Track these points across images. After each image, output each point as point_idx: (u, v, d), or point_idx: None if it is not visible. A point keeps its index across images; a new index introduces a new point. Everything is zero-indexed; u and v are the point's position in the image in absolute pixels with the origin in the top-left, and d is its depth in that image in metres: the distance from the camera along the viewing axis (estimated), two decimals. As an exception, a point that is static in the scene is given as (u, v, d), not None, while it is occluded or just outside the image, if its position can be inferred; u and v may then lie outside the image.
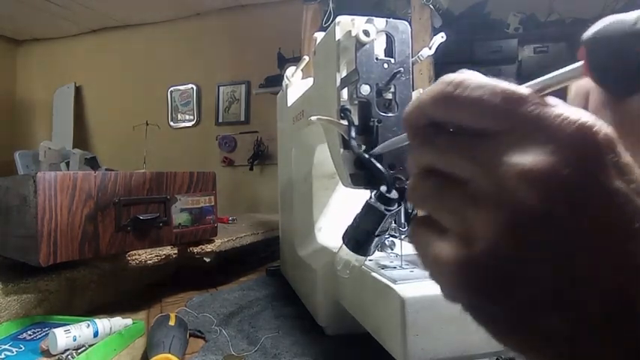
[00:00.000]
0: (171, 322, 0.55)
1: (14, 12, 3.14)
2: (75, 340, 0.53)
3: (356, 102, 0.44)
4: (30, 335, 0.58)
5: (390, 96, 0.44)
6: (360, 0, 1.83)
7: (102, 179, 0.68)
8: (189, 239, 0.81)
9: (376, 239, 0.41)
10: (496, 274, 0.17)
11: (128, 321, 0.61)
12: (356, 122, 0.43)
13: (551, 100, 0.18)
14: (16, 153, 3.08)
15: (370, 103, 0.43)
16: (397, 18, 0.45)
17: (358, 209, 0.41)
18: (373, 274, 0.47)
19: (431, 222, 0.21)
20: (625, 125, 0.21)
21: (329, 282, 0.59)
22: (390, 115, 0.44)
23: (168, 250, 0.77)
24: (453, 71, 0.20)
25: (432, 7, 1.68)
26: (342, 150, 0.45)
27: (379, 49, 0.44)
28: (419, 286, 0.41)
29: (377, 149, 0.41)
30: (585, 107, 0.29)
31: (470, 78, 0.19)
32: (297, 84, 0.81)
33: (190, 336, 0.59)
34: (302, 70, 0.79)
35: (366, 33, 0.43)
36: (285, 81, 0.81)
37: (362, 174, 0.43)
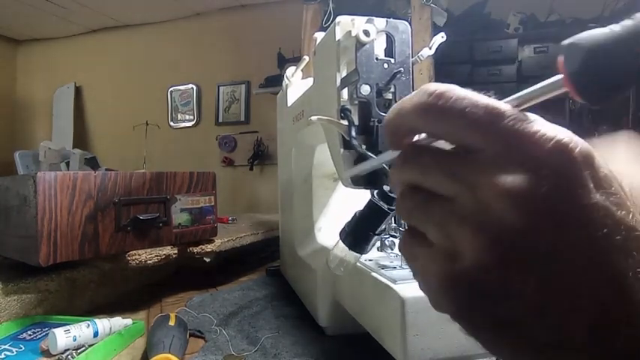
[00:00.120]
0: (171, 322, 0.55)
1: (14, 12, 3.14)
2: (75, 340, 0.53)
3: (356, 102, 0.44)
4: (30, 335, 0.58)
5: (390, 96, 0.44)
6: (360, 0, 1.83)
7: (102, 179, 0.68)
8: (189, 239, 0.81)
9: (374, 238, 0.41)
10: (480, 288, 0.18)
11: (128, 321, 0.61)
12: (356, 122, 0.43)
13: (530, 116, 0.18)
14: (16, 153, 3.08)
15: (370, 103, 0.43)
16: (397, 18, 0.45)
17: (357, 208, 0.41)
18: (373, 274, 0.47)
19: (419, 234, 0.21)
20: None
21: (329, 282, 0.59)
22: None
23: (168, 250, 0.77)
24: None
25: (433, 5, 1.68)
26: (342, 150, 0.44)
27: (379, 49, 0.44)
28: (419, 286, 0.41)
29: (355, 170, 0.40)
30: None
31: (451, 89, 0.19)
32: (297, 84, 0.81)
33: (190, 336, 0.59)
34: (302, 70, 0.79)
35: (366, 33, 0.43)
36: (285, 81, 0.81)
37: (362, 174, 0.43)
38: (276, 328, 0.61)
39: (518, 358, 0.18)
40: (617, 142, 0.41)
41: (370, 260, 0.51)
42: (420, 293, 0.34)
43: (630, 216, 0.17)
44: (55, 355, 0.52)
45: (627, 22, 0.17)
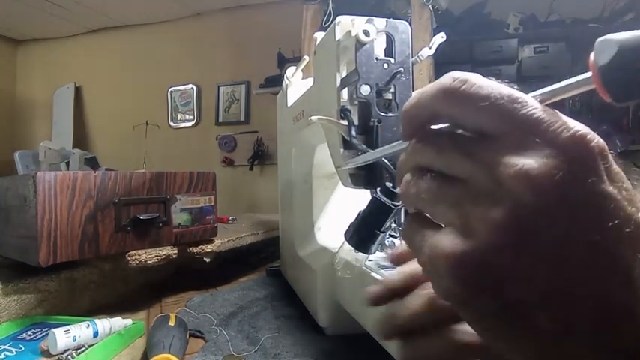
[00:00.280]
0: (171, 322, 0.55)
1: (14, 12, 3.14)
2: (75, 340, 0.53)
3: (356, 102, 0.44)
4: (30, 335, 0.58)
5: (390, 96, 0.44)
6: (360, 0, 1.83)
7: (102, 179, 0.68)
8: (189, 239, 0.81)
9: (380, 236, 0.41)
10: (491, 268, 0.18)
11: (128, 321, 0.61)
12: (356, 122, 0.43)
13: (551, 109, 0.19)
14: (16, 153, 3.08)
15: (370, 103, 0.43)
16: (397, 18, 0.45)
17: (359, 208, 0.41)
18: (373, 274, 0.47)
19: (426, 218, 0.21)
20: None
21: (329, 282, 0.59)
22: (390, 115, 0.44)
23: (168, 250, 0.77)
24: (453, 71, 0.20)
25: (431, 8, 1.68)
26: (342, 150, 0.44)
27: (379, 49, 0.44)
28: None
29: (357, 160, 0.40)
30: None
31: (476, 76, 0.19)
32: (297, 84, 0.81)
33: (190, 336, 0.59)
34: (302, 70, 0.79)
35: (366, 33, 0.43)
36: (285, 81, 0.81)
37: (362, 174, 0.43)
38: (276, 328, 0.61)
39: (520, 347, 0.18)
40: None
41: (370, 260, 0.51)
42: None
43: (639, 214, 0.17)
44: (55, 355, 0.52)
45: None
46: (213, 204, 0.85)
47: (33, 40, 3.84)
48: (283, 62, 2.73)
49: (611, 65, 0.17)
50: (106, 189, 0.69)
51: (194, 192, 0.82)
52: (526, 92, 0.19)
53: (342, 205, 0.77)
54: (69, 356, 0.51)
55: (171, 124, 3.42)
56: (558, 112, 0.18)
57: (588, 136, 0.17)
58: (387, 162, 0.39)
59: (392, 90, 0.44)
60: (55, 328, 0.54)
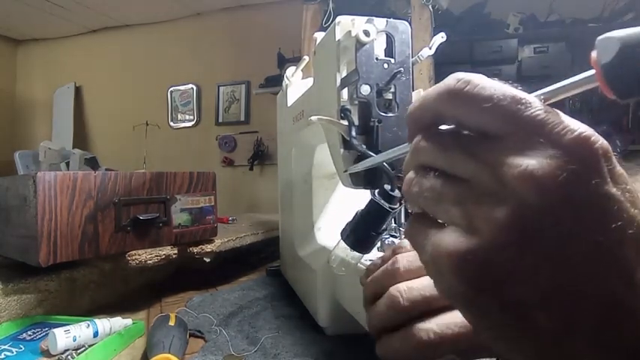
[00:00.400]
0: (171, 322, 0.55)
1: (14, 12, 3.14)
2: (75, 340, 0.53)
3: (356, 102, 0.44)
4: (30, 335, 0.58)
5: (390, 96, 0.44)
6: (360, 0, 1.83)
7: (102, 179, 0.68)
8: (189, 239, 0.81)
9: (376, 237, 0.41)
10: (493, 267, 0.18)
11: (128, 321, 0.61)
12: (356, 122, 0.43)
13: (554, 110, 0.19)
14: (16, 153, 3.08)
15: (370, 103, 0.43)
16: (397, 18, 0.45)
17: (357, 208, 0.42)
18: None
19: (429, 218, 0.21)
20: None
21: (329, 282, 0.59)
22: (390, 115, 0.44)
23: (168, 250, 0.77)
24: (453, 72, 0.20)
25: (431, 8, 1.68)
26: (342, 150, 0.44)
27: (379, 49, 0.44)
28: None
29: (358, 166, 0.41)
30: None
31: (479, 77, 0.19)
32: (297, 84, 0.81)
33: (190, 336, 0.59)
34: (302, 70, 0.79)
35: (366, 33, 0.43)
36: (286, 81, 0.81)
37: (362, 174, 0.43)
38: (276, 328, 0.61)
39: (521, 347, 0.18)
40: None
41: (370, 260, 0.51)
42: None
43: None
44: (55, 355, 0.52)
45: None
46: (213, 204, 0.85)
47: (33, 40, 3.84)
48: (283, 62, 2.73)
49: (614, 63, 0.17)
50: (106, 189, 0.69)
51: (194, 192, 0.82)
52: (527, 92, 0.19)
53: (342, 205, 0.77)
54: (69, 356, 0.51)
55: (171, 124, 3.42)
56: (561, 113, 0.18)
57: (592, 138, 0.17)
58: (385, 165, 0.39)
59: (392, 90, 0.44)
60: (55, 328, 0.54)
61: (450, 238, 0.19)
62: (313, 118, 0.45)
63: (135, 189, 0.73)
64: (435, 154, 0.21)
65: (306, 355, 0.51)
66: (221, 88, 3.26)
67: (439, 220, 0.21)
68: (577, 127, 0.17)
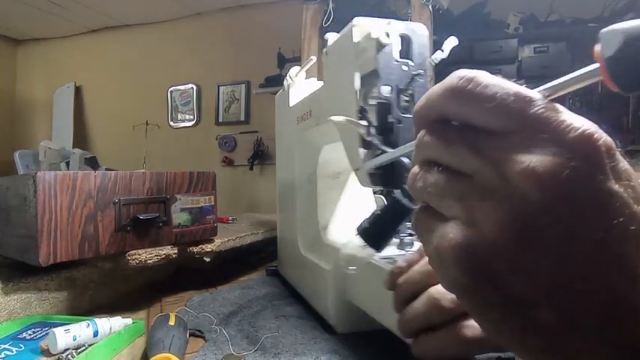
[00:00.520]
0: (171, 322, 0.55)
1: (14, 11, 3.14)
2: (75, 339, 0.53)
3: (374, 102, 0.45)
4: (30, 335, 0.58)
5: (407, 97, 0.45)
6: (360, 0, 1.83)
7: (102, 179, 0.68)
8: (189, 239, 0.81)
9: (392, 236, 0.42)
10: (495, 261, 0.18)
11: (128, 321, 0.61)
12: (375, 122, 0.45)
13: (558, 106, 0.19)
14: (16, 153, 3.08)
15: (390, 103, 0.44)
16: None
17: (366, 207, 0.42)
18: (382, 267, 0.47)
19: (434, 211, 0.21)
20: None
21: (339, 281, 0.59)
22: (408, 116, 0.45)
23: (168, 250, 0.77)
24: (453, 71, 0.20)
25: (430, 8, 1.68)
26: (361, 150, 0.46)
27: (395, 51, 0.46)
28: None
29: (375, 161, 0.41)
30: None
31: (482, 75, 0.19)
32: (300, 84, 0.81)
33: (190, 335, 0.59)
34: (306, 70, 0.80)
35: (387, 35, 0.44)
36: (288, 80, 0.81)
37: (381, 173, 0.45)
38: (276, 327, 0.61)
39: (524, 340, 0.18)
40: None
41: (386, 259, 0.51)
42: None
43: None
44: (55, 355, 0.52)
45: None
46: (213, 204, 0.85)
47: (33, 39, 3.84)
48: (283, 62, 2.73)
49: (617, 56, 0.17)
50: (106, 189, 0.69)
51: (194, 192, 0.82)
52: (530, 88, 0.19)
53: (347, 205, 0.77)
54: (69, 356, 0.51)
55: (171, 123, 3.42)
56: (565, 110, 0.18)
57: (595, 135, 0.17)
58: (403, 160, 0.40)
59: (410, 92, 0.45)
60: (55, 327, 0.54)
61: (454, 231, 0.19)
62: (334, 118, 0.46)
63: (135, 189, 0.73)
64: (439, 150, 0.21)
65: (306, 354, 0.52)
66: (221, 88, 3.26)
67: (444, 214, 0.21)
68: (580, 124, 0.18)
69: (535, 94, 0.19)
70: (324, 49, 0.57)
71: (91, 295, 0.73)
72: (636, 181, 0.18)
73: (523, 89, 0.19)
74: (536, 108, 0.18)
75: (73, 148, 2.93)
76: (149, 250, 0.75)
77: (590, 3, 2.15)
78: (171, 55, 3.37)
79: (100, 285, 0.75)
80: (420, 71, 0.45)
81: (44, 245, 0.61)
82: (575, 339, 0.17)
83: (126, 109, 3.48)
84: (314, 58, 0.74)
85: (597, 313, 0.17)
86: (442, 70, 0.45)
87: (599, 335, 0.17)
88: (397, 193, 0.40)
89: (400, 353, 0.51)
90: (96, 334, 0.56)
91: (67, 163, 2.47)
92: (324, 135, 0.69)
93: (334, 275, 0.59)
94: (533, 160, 0.17)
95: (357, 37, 0.46)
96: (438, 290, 0.33)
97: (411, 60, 0.45)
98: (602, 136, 0.17)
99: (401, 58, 0.45)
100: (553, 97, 0.19)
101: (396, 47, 0.45)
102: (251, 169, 3.07)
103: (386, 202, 0.42)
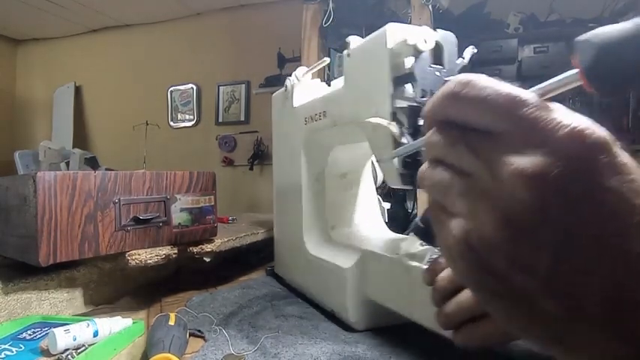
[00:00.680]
0: (171, 322, 0.55)
1: (14, 11, 3.14)
2: (75, 339, 0.53)
3: (405, 105, 0.48)
4: (30, 335, 0.58)
5: None
6: (360, 0, 1.83)
7: (102, 179, 0.68)
8: (189, 239, 0.81)
9: None
10: (494, 255, 0.19)
11: (128, 321, 0.61)
12: (406, 124, 0.47)
13: (552, 104, 0.19)
14: (16, 153, 3.08)
15: (422, 106, 0.46)
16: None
17: (373, 206, 0.43)
18: (424, 266, 0.48)
19: (443, 206, 0.22)
20: None
21: (358, 279, 0.61)
22: None
23: (168, 250, 0.77)
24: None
25: (430, 8, 1.68)
26: (393, 150, 0.47)
27: (430, 57, 0.48)
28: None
29: (400, 150, 0.43)
30: None
31: (477, 79, 0.20)
32: (306, 84, 0.81)
33: (190, 335, 0.59)
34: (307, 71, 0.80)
35: (425, 42, 0.46)
36: (293, 80, 0.80)
37: (410, 173, 0.46)
38: (276, 327, 0.61)
39: (529, 328, 0.19)
40: None
41: (415, 256, 0.52)
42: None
43: None
44: (54, 355, 0.52)
45: (638, 20, 0.18)
46: (213, 204, 0.85)
47: (33, 39, 3.84)
48: (283, 62, 2.73)
49: (592, 65, 0.18)
50: (106, 189, 0.69)
51: (194, 192, 0.82)
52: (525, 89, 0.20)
53: (353, 205, 0.78)
54: (69, 356, 0.51)
55: (171, 123, 3.42)
56: (560, 107, 0.19)
57: (586, 131, 0.17)
58: None
59: None
60: (55, 327, 0.54)
61: (457, 226, 0.20)
62: (372, 120, 0.49)
63: (135, 189, 0.73)
64: (444, 149, 0.22)
65: (306, 354, 0.52)
66: (221, 88, 3.26)
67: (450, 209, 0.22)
68: (570, 121, 0.17)
69: (527, 94, 0.19)
70: (345, 51, 0.59)
71: (91, 295, 0.73)
72: (638, 175, 0.18)
73: (515, 90, 0.19)
74: (526, 108, 0.18)
75: (73, 148, 2.93)
76: (149, 250, 0.75)
77: (590, 3, 2.15)
78: (171, 55, 3.37)
79: (100, 285, 0.75)
80: (451, 77, 0.46)
81: (44, 245, 0.61)
82: (581, 327, 0.17)
83: (126, 109, 3.48)
84: (327, 59, 0.75)
85: (602, 307, 0.17)
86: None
87: (606, 328, 0.17)
88: None
89: (415, 347, 0.51)
90: (96, 334, 0.56)
91: (67, 163, 2.47)
92: (334, 136, 0.70)
93: (353, 273, 0.61)
94: (523, 161, 0.18)
95: (391, 43, 0.49)
96: None
97: (442, 66, 0.48)
98: (594, 132, 0.17)
99: (433, 64, 0.48)
100: (547, 96, 0.19)
101: (430, 53, 0.48)
102: (251, 169, 3.07)
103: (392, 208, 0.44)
